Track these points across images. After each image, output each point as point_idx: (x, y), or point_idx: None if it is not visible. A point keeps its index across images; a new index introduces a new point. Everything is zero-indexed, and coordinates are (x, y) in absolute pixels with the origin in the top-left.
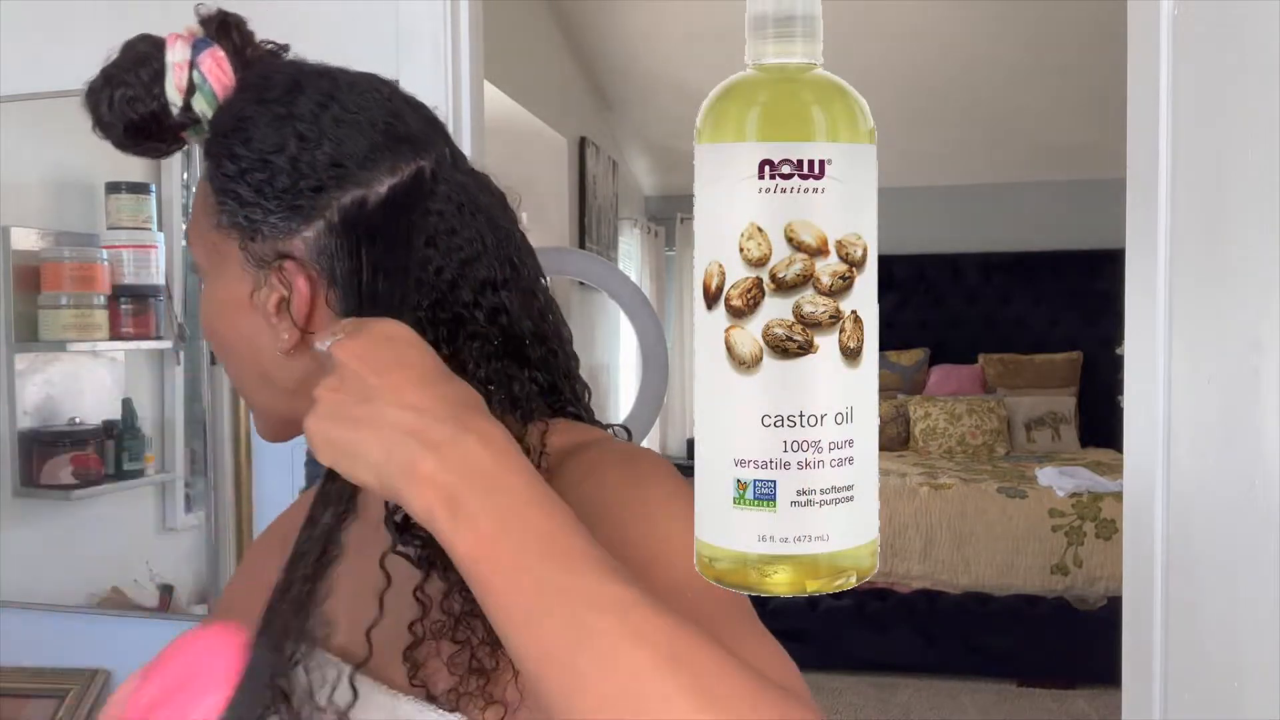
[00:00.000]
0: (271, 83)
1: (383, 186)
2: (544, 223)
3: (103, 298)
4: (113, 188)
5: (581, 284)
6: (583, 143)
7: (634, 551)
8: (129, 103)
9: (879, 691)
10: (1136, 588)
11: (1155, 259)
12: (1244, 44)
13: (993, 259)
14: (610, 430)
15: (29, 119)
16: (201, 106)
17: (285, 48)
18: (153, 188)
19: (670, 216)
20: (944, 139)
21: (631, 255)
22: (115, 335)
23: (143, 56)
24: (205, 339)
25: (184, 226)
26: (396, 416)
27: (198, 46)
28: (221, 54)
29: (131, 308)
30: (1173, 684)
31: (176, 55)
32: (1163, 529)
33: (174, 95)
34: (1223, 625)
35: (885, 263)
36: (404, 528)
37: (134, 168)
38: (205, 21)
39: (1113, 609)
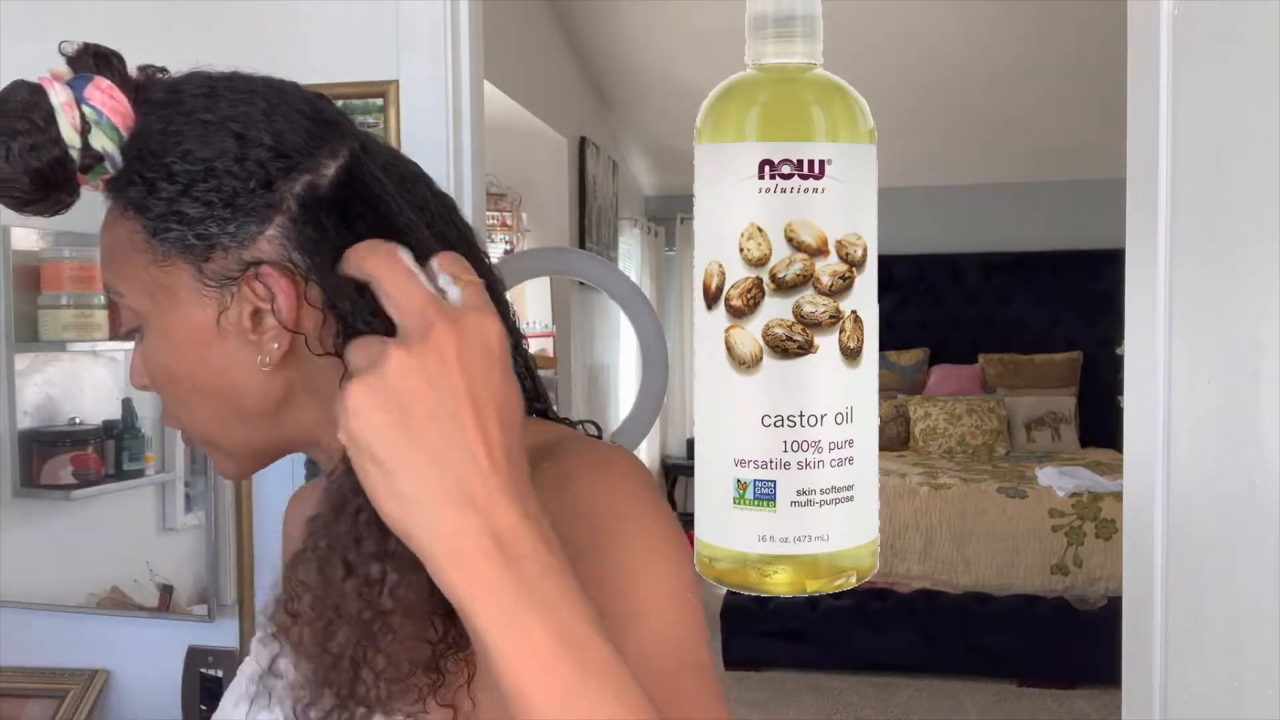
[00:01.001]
0: (184, 94)
1: (329, 170)
2: (544, 223)
3: (102, 298)
4: None
5: (581, 284)
6: (583, 143)
7: (605, 599)
8: (32, 151)
9: (879, 691)
10: (1136, 588)
11: (1155, 259)
12: (1244, 44)
13: (993, 259)
14: (580, 427)
15: None
16: (102, 142)
17: (163, 69)
18: None
19: (670, 216)
20: (944, 139)
21: (631, 255)
22: (115, 335)
23: (28, 103)
24: (158, 390)
25: None
26: (467, 471)
27: (76, 84)
28: (108, 83)
29: None
30: (1173, 684)
31: (60, 96)
32: (1163, 529)
33: (71, 136)
34: (1223, 625)
35: (885, 263)
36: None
37: None
38: (76, 59)
39: (1113, 609)
